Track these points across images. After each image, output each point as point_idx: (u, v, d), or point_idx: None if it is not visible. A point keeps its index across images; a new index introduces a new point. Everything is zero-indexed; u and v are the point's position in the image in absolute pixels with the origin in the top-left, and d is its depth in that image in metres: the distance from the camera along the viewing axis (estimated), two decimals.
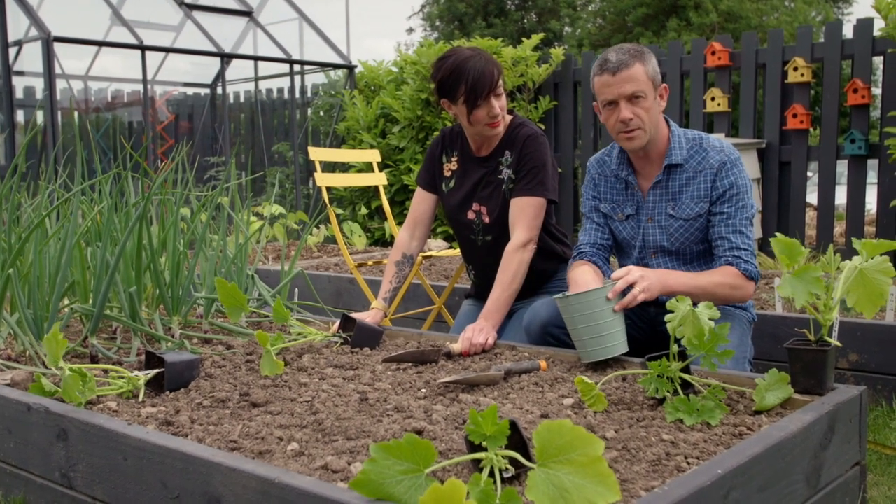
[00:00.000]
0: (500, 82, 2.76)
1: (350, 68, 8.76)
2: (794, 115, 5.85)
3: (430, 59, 7.21)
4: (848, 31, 5.75)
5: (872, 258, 1.85)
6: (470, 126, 2.84)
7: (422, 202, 3.07)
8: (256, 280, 3.12)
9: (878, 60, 5.87)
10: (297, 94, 8.83)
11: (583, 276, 2.51)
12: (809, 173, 6.51)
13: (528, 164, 2.81)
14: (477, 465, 1.43)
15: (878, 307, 1.85)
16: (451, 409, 1.93)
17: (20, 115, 7.94)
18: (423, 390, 2.12)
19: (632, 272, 2.28)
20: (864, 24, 5.63)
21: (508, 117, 2.90)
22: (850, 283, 1.84)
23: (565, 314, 2.28)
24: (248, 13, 8.81)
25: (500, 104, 2.78)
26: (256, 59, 8.62)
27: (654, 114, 2.47)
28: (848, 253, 1.94)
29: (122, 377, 2.16)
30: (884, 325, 2.93)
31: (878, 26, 5.37)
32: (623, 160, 2.61)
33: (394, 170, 7.47)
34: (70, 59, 8.54)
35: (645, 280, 2.28)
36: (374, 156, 4.51)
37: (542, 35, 7.55)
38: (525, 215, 2.77)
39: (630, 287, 2.28)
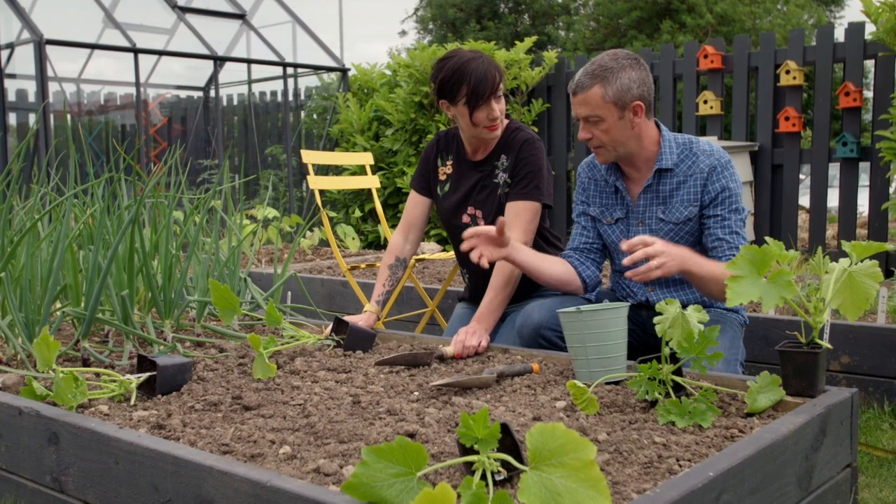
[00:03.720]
0: (501, 85, 2.77)
1: (343, 71, 8.76)
2: (787, 118, 5.87)
3: (424, 62, 7.22)
4: (840, 35, 5.78)
5: (861, 261, 1.85)
6: (468, 128, 2.84)
7: (416, 206, 3.07)
8: (249, 283, 3.12)
9: (869, 64, 5.90)
10: (291, 97, 8.83)
11: (548, 260, 2.57)
12: (802, 176, 6.53)
13: (525, 168, 2.81)
14: (469, 468, 1.43)
15: (863, 311, 1.85)
16: (444, 412, 1.93)
17: (12, 119, 7.92)
18: (416, 393, 2.12)
19: (656, 244, 2.18)
20: (856, 28, 5.66)
21: (505, 121, 2.91)
22: (839, 285, 1.85)
23: (574, 330, 2.14)
24: (241, 16, 8.81)
25: (500, 107, 2.79)
26: (249, 61, 8.62)
27: (617, 133, 2.46)
28: (840, 255, 1.95)
29: (114, 381, 2.15)
30: (875, 328, 2.94)
31: (870, 30, 5.40)
32: (612, 165, 2.62)
33: (387, 172, 7.47)
34: (62, 62, 8.54)
35: (665, 255, 2.18)
36: (367, 159, 4.51)
37: (535, 38, 7.56)
38: (520, 219, 2.77)
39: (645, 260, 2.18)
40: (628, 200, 2.60)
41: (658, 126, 2.58)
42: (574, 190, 2.80)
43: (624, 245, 2.20)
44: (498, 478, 1.44)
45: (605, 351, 2.12)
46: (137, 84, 7.47)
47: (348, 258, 5.66)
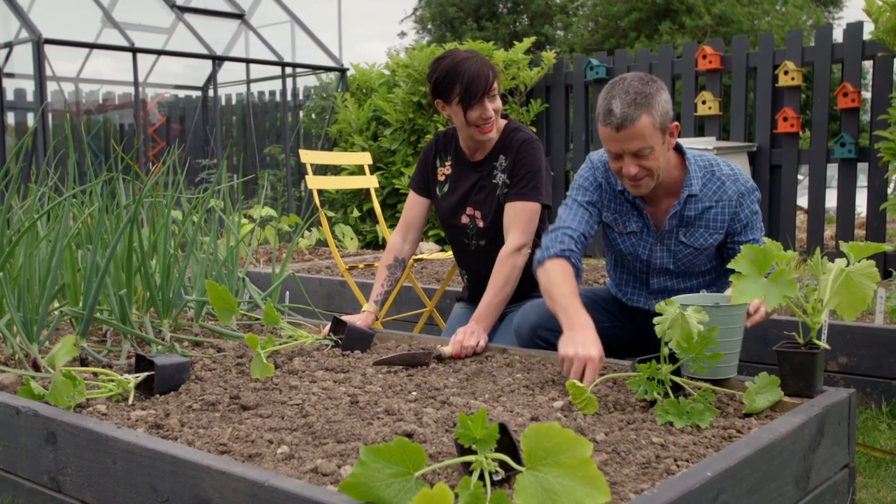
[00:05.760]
0: (495, 85, 2.77)
1: (342, 71, 8.76)
2: (785, 119, 5.87)
3: (422, 62, 7.22)
4: (838, 36, 5.78)
5: (859, 261, 1.86)
6: (463, 128, 2.84)
7: (414, 206, 3.07)
8: (247, 283, 3.12)
9: (867, 64, 5.90)
10: (289, 97, 8.82)
11: (562, 285, 2.37)
12: (800, 177, 6.53)
13: (523, 169, 2.81)
14: (467, 469, 1.43)
15: (860, 311, 1.85)
16: (442, 412, 1.93)
17: (10, 118, 7.92)
18: (414, 393, 2.12)
19: (760, 310, 2.15)
20: (854, 28, 5.66)
21: (503, 122, 2.91)
22: (837, 285, 1.85)
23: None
24: (239, 16, 8.80)
25: (493, 107, 2.79)
26: (248, 61, 8.61)
27: (663, 160, 2.35)
28: (838, 256, 1.96)
29: (112, 380, 2.15)
30: (873, 328, 2.94)
31: (868, 30, 5.41)
32: None
33: (385, 172, 7.47)
34: (61, 62, 8.53)
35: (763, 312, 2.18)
36: (365, 158, 4.51)
37: (533, 38, 7.56)
38: (520, 220, 2.77)
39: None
40: (647, 218, 2.52)
41: (679, 149, 2.49)
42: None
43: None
44: (496, 478, 1.44)
45: (730, 347, 2.05)
46: (136, 83, 7.47)
47: (346, 258, 5.65)
